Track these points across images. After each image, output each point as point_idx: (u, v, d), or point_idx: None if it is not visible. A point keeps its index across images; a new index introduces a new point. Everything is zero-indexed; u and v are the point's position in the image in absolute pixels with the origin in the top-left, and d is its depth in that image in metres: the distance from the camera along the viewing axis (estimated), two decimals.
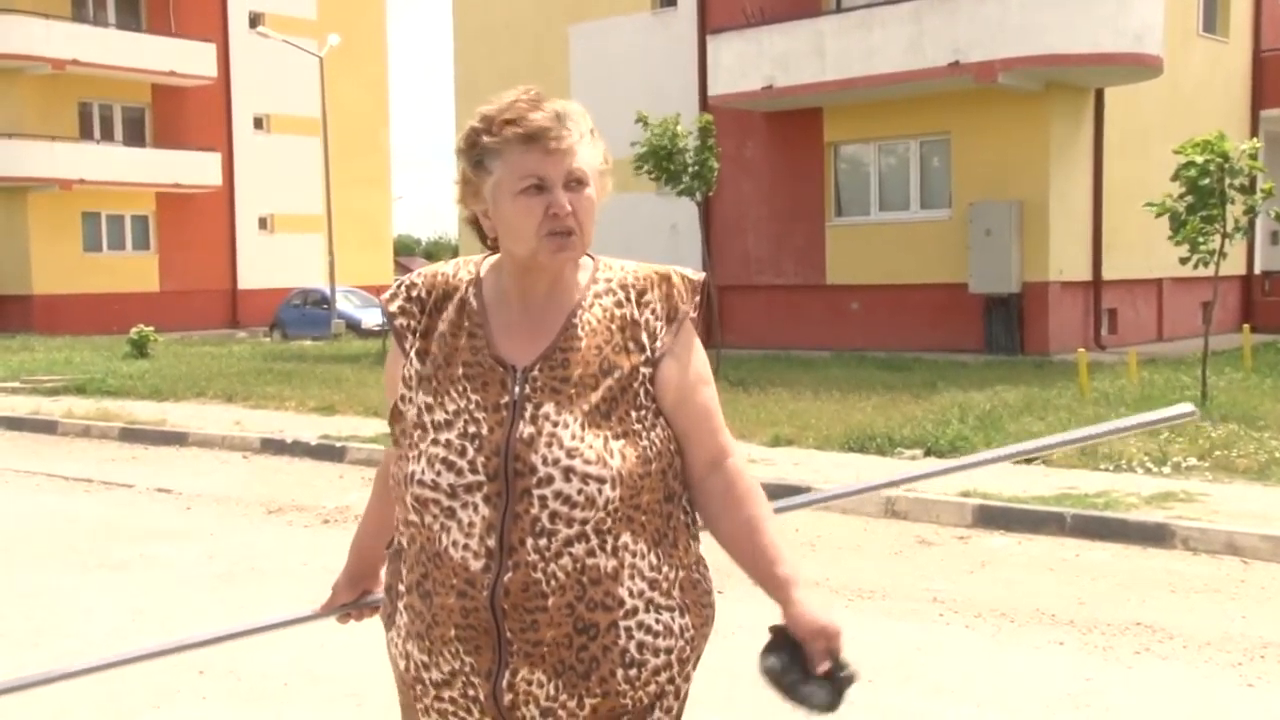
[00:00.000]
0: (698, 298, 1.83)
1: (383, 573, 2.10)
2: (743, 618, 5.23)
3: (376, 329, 25.30)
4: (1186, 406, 2.04)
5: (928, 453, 9.02)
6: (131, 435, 11.59)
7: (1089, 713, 4.14)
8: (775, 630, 1.75)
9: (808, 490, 7.82)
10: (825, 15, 18.58)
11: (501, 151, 1.72)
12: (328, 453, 10.18)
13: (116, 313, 29.21)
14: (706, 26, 19.87)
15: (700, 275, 1.86)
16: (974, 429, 9.44)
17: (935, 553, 6.56)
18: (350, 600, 2.11)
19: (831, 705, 1.68)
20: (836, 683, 1.68)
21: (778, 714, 1.89)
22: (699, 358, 1.82)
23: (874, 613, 5.39)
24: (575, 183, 1.73)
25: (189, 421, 11.97)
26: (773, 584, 1.78)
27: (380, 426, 10.97)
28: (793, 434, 9.68)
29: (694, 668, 1.85)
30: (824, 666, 1.69)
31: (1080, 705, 4.20)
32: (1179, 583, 5.81)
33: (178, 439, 11.26)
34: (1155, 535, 6.54)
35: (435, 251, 75.68)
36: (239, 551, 6.76)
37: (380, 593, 2.10)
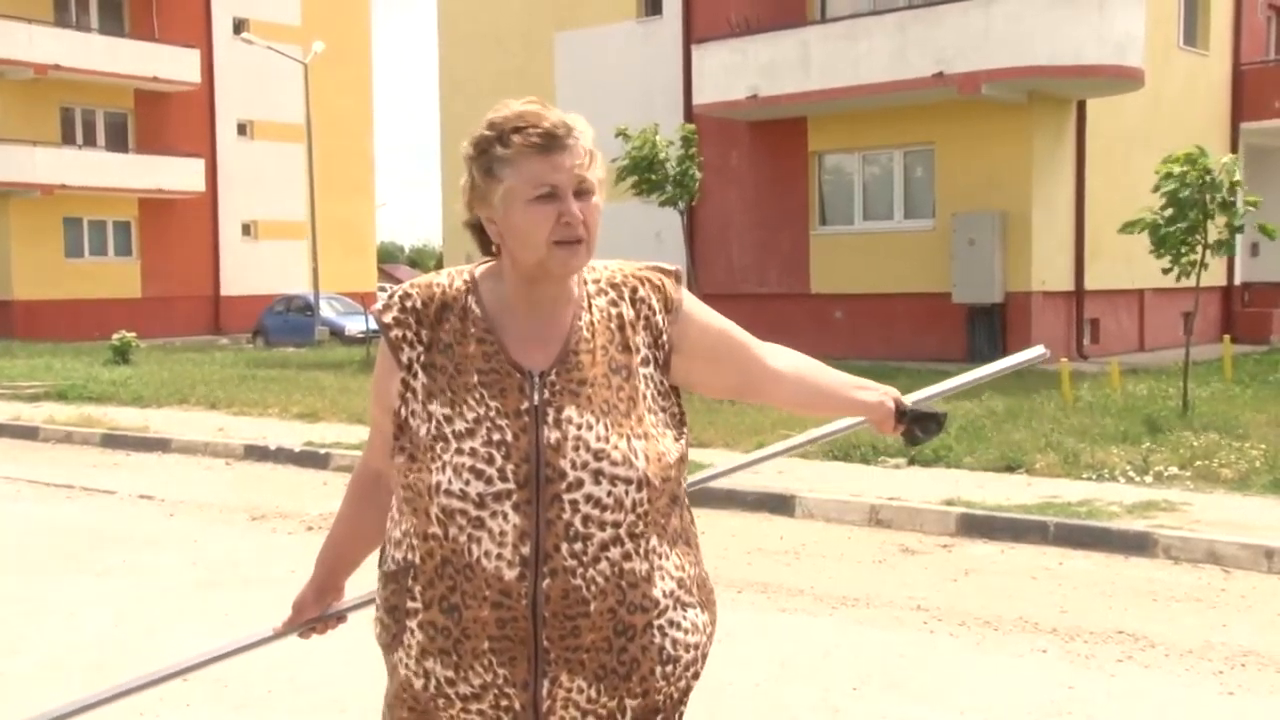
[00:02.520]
0: (683, 284, 1.90)
1: (347, 585, 2.08)
2: (727, 626, 5.24)
3: (360, 336, 25.23)
4: (1039, 349, 2.35)
5: (911, 461, 9.05)
6: (113, 441, 11.53)
7: None
8: (903, 416, 2.07)
9: (793, 499, 7.87)
10: (810, 25, 18.67)
11: (514, 160, 1.72)
12: (311, 459, 10.15)
13: (98, 319, 29.05)
14: (692, 36, 19.94)
15: (674, 266, 1.91)
16: (958, 437, 9.47)
17: (919, 561, 6.59)
18: (316, 615, 2.07)
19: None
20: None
21: None
22: (711, 315, 1.92)
23: (858, 621, 5.41)
24: (585, 191, 1.75)
25: (171, 428, 11.92)
26: (872, 401, 2.07)
27: (365, 433, 10.94)
28: (776, 442, 9.70)
29: None
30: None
31: (1063, 713, 4.23)
32: (1161, 591, 5.85)
33: (160, 445, 11.20)
34: (1137, 544, 6.58)
35: (419, 258, 75.57)
36: (222, 558, 6.74)
37: (339, 604, 2.08)
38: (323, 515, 7.90)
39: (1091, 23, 16.24)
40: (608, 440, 1.71)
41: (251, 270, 34.79)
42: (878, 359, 17.40)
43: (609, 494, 1.70)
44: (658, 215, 17.92)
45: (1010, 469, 8.64)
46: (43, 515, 8.18)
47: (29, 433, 12.24)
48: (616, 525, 1.71)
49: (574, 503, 1.69)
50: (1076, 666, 4.73)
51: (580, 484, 1.70)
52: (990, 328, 17.34)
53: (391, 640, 1.83)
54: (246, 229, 35.35)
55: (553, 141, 1.72)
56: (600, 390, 1.74)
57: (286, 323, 28.35)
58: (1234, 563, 6.27)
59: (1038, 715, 4.21)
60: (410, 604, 1.79)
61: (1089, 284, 18.13)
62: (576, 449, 1.70)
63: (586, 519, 1.70)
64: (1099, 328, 18.65)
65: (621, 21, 21.28)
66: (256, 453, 10.56)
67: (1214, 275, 18.57)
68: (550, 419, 1.71)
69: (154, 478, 9.68)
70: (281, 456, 10.37)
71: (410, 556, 1.79)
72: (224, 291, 34.54)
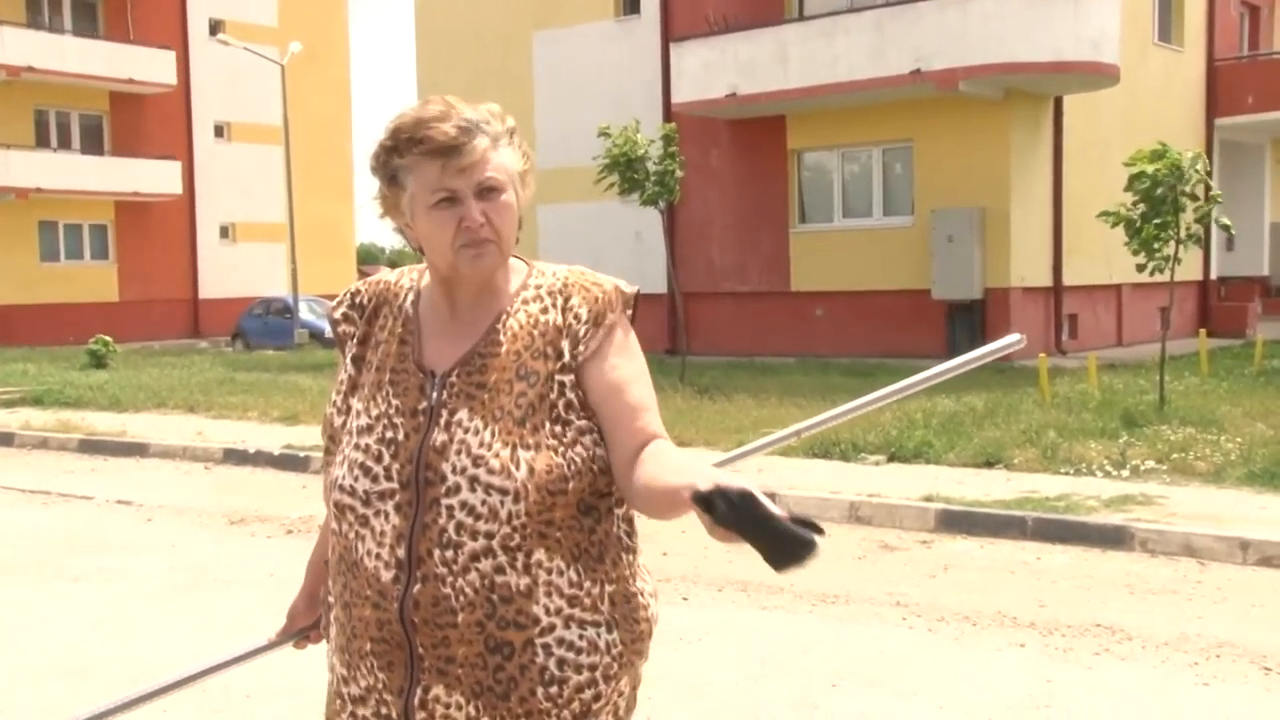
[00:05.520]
0: (630, 310, 1.79)
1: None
2: (707, 624, 5.25)
3: None
4: (1014, 336, 2.07)
5: (891, 458, 9.08)
6: (90, 447, 11.45)
7: (1049, 714, 4.18)
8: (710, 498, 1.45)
9: (773, 496, 7.87)
10: (788, 23, 18.70)
11: (412, 168, 1.71)
12: (291, 463, 10.11)
13: (75, 323, 28.85)
14: (670, 34, 19.95)
15: (633, 288, 1.82)
16: (937, 434, 9.51)
17: (898, 557, 6.61)
18: (309, 623, 2.06)
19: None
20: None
21: None
22: (632, 361, 1.77)
23: (838, 618, 5.42)
24: (488, 191, 1.71)
25: (149, 432, 11.85)
26: (681, 481, 1.53)
27: None
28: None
29: (628, 683, 1.80)
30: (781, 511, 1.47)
31: (1041, 706, 4.25)
32: (1137, 584, 5.89)
33: (138, 450, 11.14)
34: (1114, 538, 6.62)
35: (399, 260, 75.35)
36: (201, 563, 6.70)
37: None
38: (302, 518, 7.87)
39: (1067, 19, 16.32)
40: (490, 447, 1.66)
41: (230, 273, 34.61)
42: (858, 356, 17.45)
43: (483, 503, 1.64)
44: (638, 214, 17.90)
45: (989, 465, 8.68)
46: (19, 521, 8.12)
47: (4, 439, 12.15)
48: (489, 536, 1.65)
49: (450, 508, 1.65)
50: (1054, 660, 4.76)
51: (458, 489, 1.65)
52: (970, 324, 17.40)
53: (325, 632, 1.89)
54: (225, 231, 35.16)
55: (447, 149, 1.68)
56: (498, 395, 1.69)
57: (266, 325, 28.21)
58: (1209, 555, 6.31)
59: (1016, 709, 4.23)
60: (329, 598, 1.83)
61: (1067, 279, 18.22)
62: (459, 453, 1.66)
63: (460, 526, 1.65)
64: (1077, 323, 18.75)
65: (600, 20, 21.26)
66: (235, 456, 10.51)
67: (1190, 270, 18.72)
68: (442, 421, 1.69)
69: (132, 483, 9.62)
70: (261, 460, 10.33)
71: (330, 551, 1.83)
72: (202, 294, 34.34)
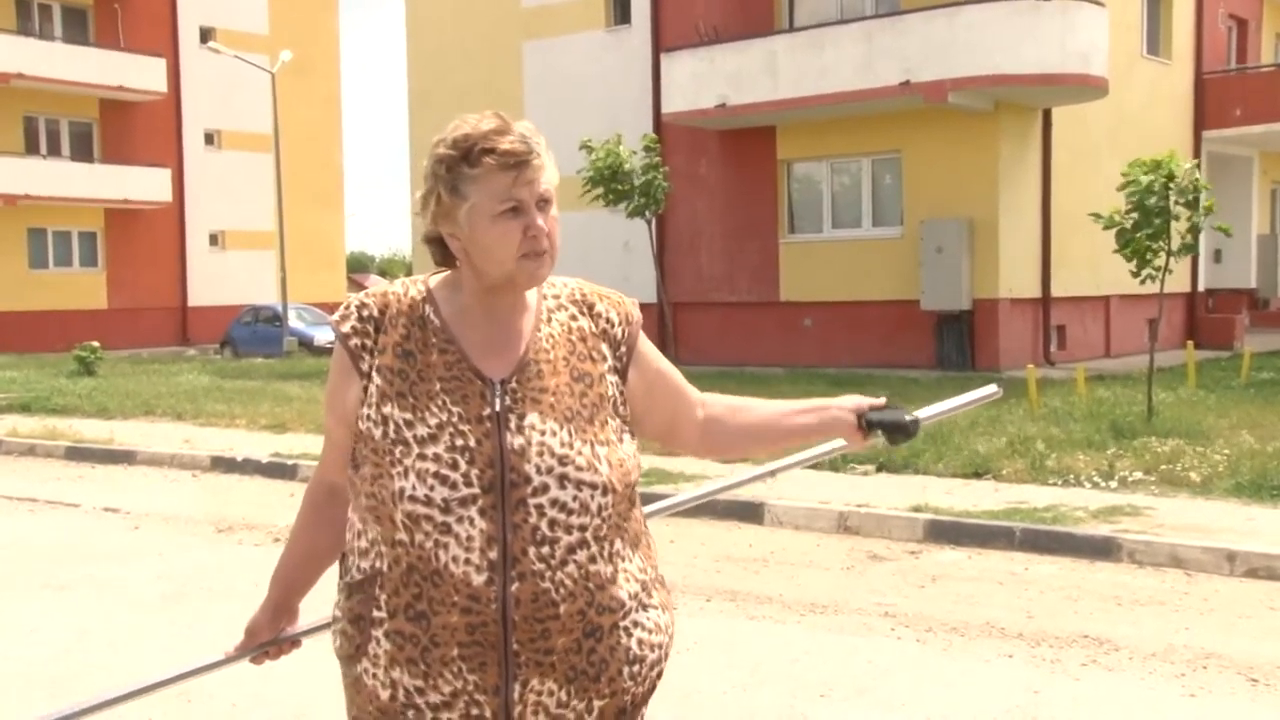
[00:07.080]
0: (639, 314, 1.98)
1: (333, 606, 2.07)
2: (695, 634, 5.25)
3: (329, 346, 25.09)
4: (991, 387, 2.31)
5: (880, 468, 9.09)
6: (78, 454, 11.41)
7: None
8: (871, 425, 2.04)
9: (761, 506, 7.88)
10: (778, 34, 18.75)
11: (479, 178, 1.75)
12: (279, 471, 10.09)
13: (63, 330, 28.74)
14: (660, 44, 19.98)
15: (634, 301, 1.99)
16: (926, 444, 9.52)
17: (887, 568, 6.61)
18: (270, 638, 2.05)
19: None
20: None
21: None
22: (657, 353, 1.99)
23: (826, 628, 5.42)
24: (545, 203, 1.79)
25: (137, 440, 11.81)
26: (817, 422, 2.03)
27: None
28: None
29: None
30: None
31: (1028, 717, 4.25)
32: (1125, 595, 5.90)
33: (125, 458, 11.10)
34: (1102, 548, 6.64)
35: (388, 268, 75.27)
36: (189, 571, 6.68)
37: (293, 629, 2.07)
38: (290, 527, 7.83)
39: (1055, 32, 16.40)
40: (571, 446, 1.75)
41: (219, 281, 34.53)
42: (847, 367, 17.48)
43: (574, 499, 1.73)
44: (626, 225, 17.94)
45: (978, 475, 8.69)
46: (5, 530, 8.08)
47: None
48: (583, 529, 1.75)
49: (540, 507, 1.72)
50: (1042, 671, 4.77)
51: (546, 489, 1.72)
52: (959, 335, 17.45)
53: (355, 651, 1.82)
54: (214, 239, 35.10)
55: (517, 159, 1.75)
56: (563, 398, 1.78)
57: (255, 333, 28.17)
58: (1196, 566, 6.33)
59: None
60: (376, 613, 1.78)
61: (1055, 291, 18.28)
62: (540, 454, 1.73)
63: (553, 523, 1.72)
64: (1065, 334, 18.80)
65: (590, 30, 21.30)
66: (223, 464, 10.48)
67: (1178, 281, 18.79)
68: (513, 425, 1.74)
69: (119, 490, 9.59)
70: (249, 468, 10.30)
71: (378, 564, 1.79)
72: (191, 302, 34.26)
